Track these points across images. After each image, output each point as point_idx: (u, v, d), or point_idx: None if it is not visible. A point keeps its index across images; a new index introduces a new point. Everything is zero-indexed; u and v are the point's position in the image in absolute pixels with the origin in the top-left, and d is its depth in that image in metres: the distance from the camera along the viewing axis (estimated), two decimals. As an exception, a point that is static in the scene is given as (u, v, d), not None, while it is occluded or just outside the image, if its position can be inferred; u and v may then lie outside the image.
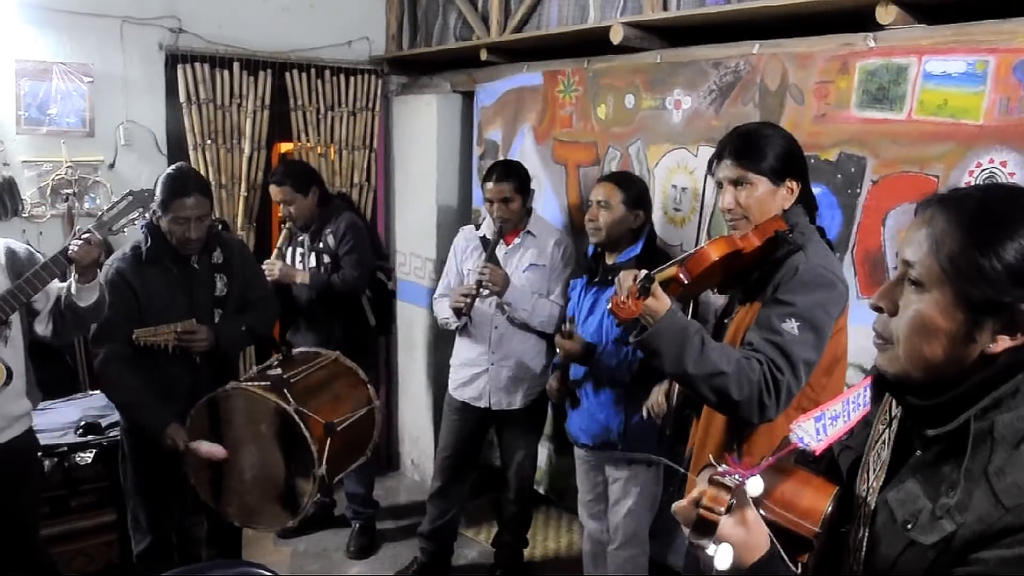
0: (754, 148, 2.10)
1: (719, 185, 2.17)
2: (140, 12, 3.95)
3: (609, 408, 3.01)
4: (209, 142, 4.14)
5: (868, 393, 1.29)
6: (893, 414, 1.30)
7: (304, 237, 3.87)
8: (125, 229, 2.70)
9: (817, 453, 1.21)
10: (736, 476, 1.15)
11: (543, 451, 3.96)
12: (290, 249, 3.92)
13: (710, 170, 2.20)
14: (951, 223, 1.13)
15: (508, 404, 3.57)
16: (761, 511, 1.24)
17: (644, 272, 1.96)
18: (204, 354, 3.06)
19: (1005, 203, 1.13)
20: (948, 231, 1.13)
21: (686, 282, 2.04)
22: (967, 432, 1.13)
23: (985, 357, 1.13)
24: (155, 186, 2.94)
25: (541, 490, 4.06)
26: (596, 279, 3.07)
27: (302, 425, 2.84)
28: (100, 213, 2.72)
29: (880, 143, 2.53)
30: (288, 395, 2.91)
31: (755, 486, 1.15)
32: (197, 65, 4.06)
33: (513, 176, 3.41)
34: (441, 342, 4.39)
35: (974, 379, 1.14)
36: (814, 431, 1.21)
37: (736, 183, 2.11)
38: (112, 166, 3.96)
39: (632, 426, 2.96)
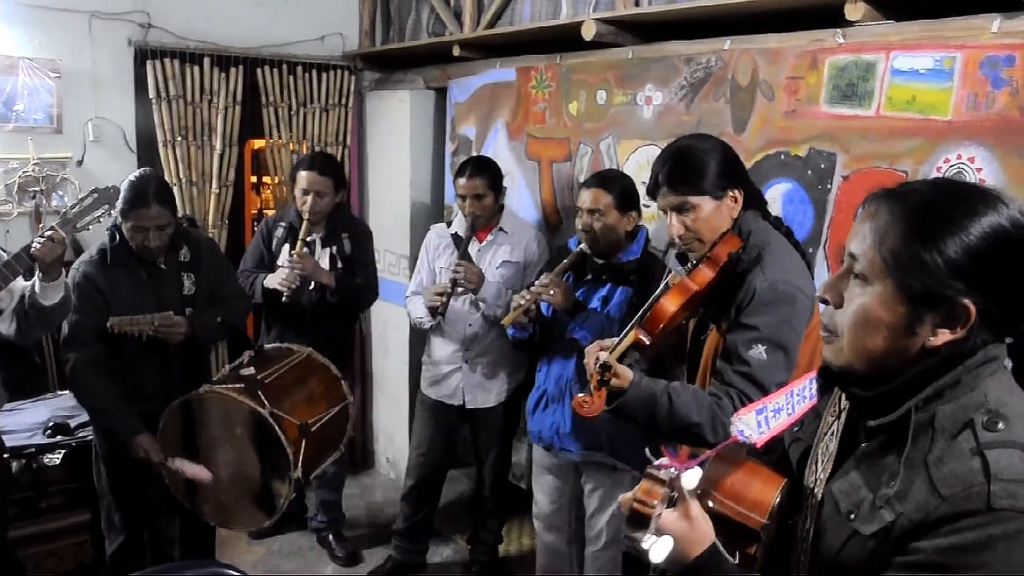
0: (687, 171, 2.07)
1: (664, 212, 2.15)
2: (109, 7, 3.91)
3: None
4: (179, 139, 4.10)
5: (814, 386, 1.31)
6: (842, 406, 1.30)
7: (315, 236, 3.70)
8: (91, 227, 2.67)
9: (758, 446, 1.23)
10: (672, 469, 1.15)
11: (524, 447, 3.95)
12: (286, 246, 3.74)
13: (651, 196, 2.17)
14: (894, 216, 1.14)
15: (483, 402, 3.56)
16: (709, 503, 1.26)
17: (602, 359, 1.94)
18: (178, 349, 3.03)
19: (949, 198, 1.14)
20: (891, 224, 1.14)
21: (648, 342, 2.03)
22: (908, 422, 1.14)
23: (926, 350, 1.14)
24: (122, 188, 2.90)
25: (523, 485, 4.05)
26: (587, 277, 2.97)
27: (277, 428, 2.82)
28: (64, 211, 2.68)
29: (850, 139, 2.54)
30: (263, 397, 2.89)
31: (691, 479, 1.15)
32: (167, 61, 4.02)
33: (485, 172, 3.40)
34: (416, 339, 4.38)
35: (915, 370, 1.15)
36: (755, 424, 1.23)
37: (678, 209, 2.09)
38: (80, 163, 3.92)
39: (619, 429, 2.85)
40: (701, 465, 1.22)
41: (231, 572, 1.99)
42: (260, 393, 2.91)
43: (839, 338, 1.20)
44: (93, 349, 2.92)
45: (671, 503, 1.15)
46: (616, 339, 2.04)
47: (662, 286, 2.06)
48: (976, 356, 1.13)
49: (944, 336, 1.12)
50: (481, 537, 3.85)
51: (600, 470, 2.99)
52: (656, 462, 1.19)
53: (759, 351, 1.98)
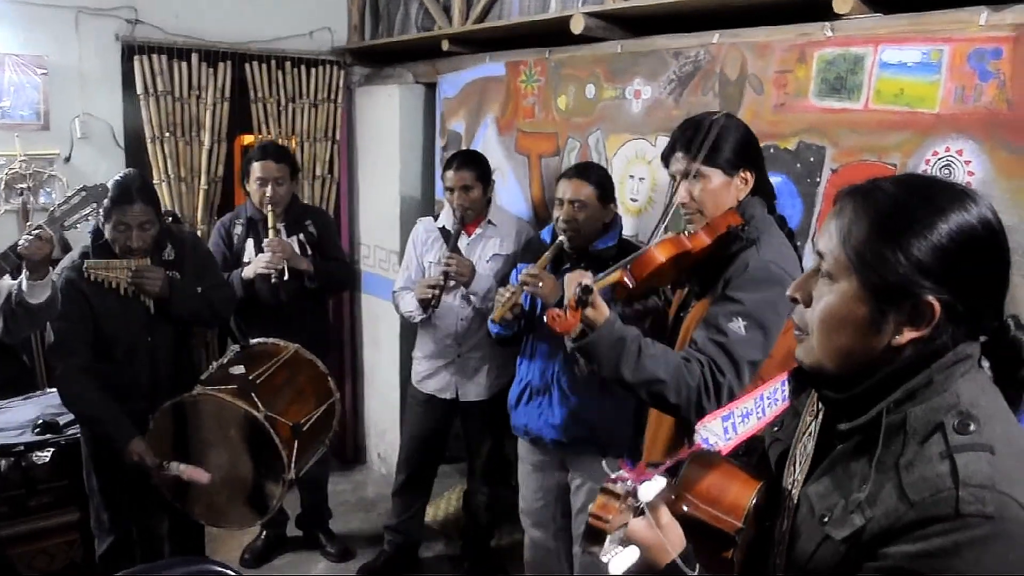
0: (705, 140, 2.07)
1: (673, 178, 2.16)
2: (95, 2, 3.88)
3: (587, 400, 2.90)
4: (168, 135, 4.08)
5: (786, 388, 1.30)
6: (819, 406, 1.29)
7: (279, 226, 3.66)
8: (78, 225, 2.65)
9: (724, 452, 1.22)
10: (629, 482, 1.14)
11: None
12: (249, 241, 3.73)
13: (665, 162, 2.18)
14: (858, 214, 1.14)
15: (474, 396, 3.56)
16: (684, 506, 1.25)
17: (584, 282, 1.92)
18: (162, 343, 3.01)
19: (915, 195, 1.13)
20: (855, 221, 1.14)
21: (631, 285, 2.02)
22: (880, 425, 1.14)
23: (892, 349, 1.13)
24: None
25: (513, 481, 4.04)
26: (566, 267, 2.94)
27: (272, 431, 2.81)
28: (52, 208, 2.66)
29: (839, 132, 2.54)
30: (256, 400, 2.88)
31: (647, 491, 1.14)
32: (154, 56, 4.00)
33: (474, 164, 3.40)
34: (407, 334, 4.37)
35: (886, 371, 1.15)
36: (721, 430, 1.22)
37: (688, 176, 2.09)
38: (68, 160, 3.89)
39: (608, 420, 2.87)
40: (673, 470, 1.21)
41: (221, 569, 1.99)
42: (254, 395, 2.90)
43: (809, 336, 1.20)
44: (81, 355, 2.90)
45: (639, 511, 1.14)
46: (601, 274, 2.04)
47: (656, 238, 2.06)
48: (947, 356, 1.13)
49: (909, 334, 1.12)
50: (472, 532, 3.85)
51: (587, 464, 2.97)
52: (613, 475, 1.18)
53: (739, 325, 1.97)
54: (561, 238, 2.88)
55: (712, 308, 2.03)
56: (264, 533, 3.99)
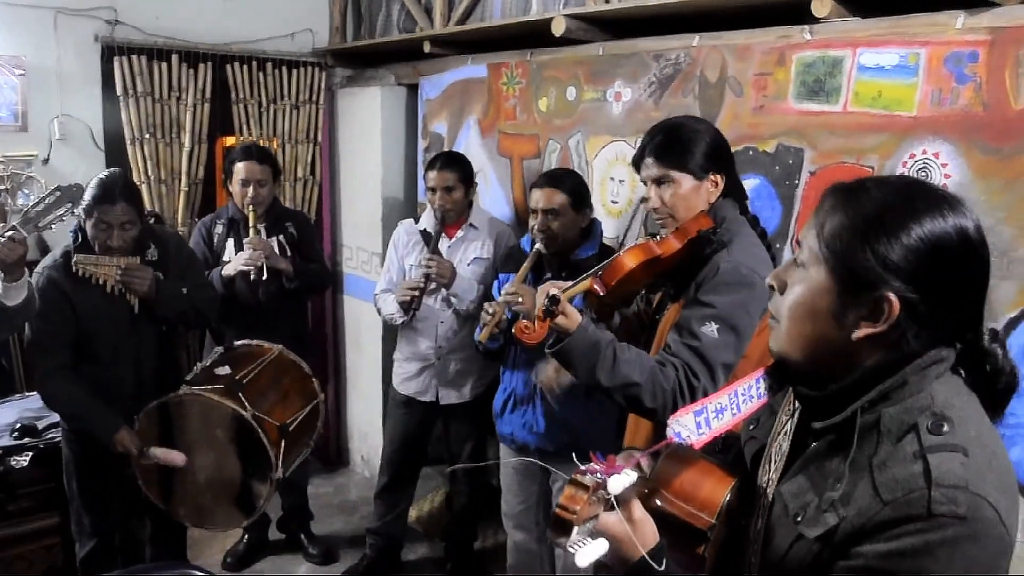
0: (674, 146, 2.08)
1: (644, 183, 2.16)
2: (75, 3, 3.86)
3: (571, 408, 2.88)
4: (148, 136, 4.05)
5: (761, 385, 1.30)
6: (796, 404, 1.29)
7: (260, 227, 3.64)
8: (53, 226, 2.62)
9: (696, 447, 1.22)
10: (598, 475, 1.14)
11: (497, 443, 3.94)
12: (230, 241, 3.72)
13: (636, 168, 2.18)
14: (836, 208, 1.16)
15: (455, 398, 3.56)
16: (657, 501, 1.25)
17: (551, 292, 1.92)
18: (146, 343, 3.01)
19: (894, 196, 1.14)
20: (831, 215, 1.16)
21: (601, 292, 2.02)
22: (854, 424, 1.14)
23: (852, 343, 1.14)
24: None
25: (494, 482, 4.04)
26: (547, 276, 2.91)
27: (260, 431, 2.80)
28: (26, 210, 2.63)
29: (817, 134, 2.55)
30: (244, 400, 2.86)
31: (616, 484, 1.14)
32: (134, 57, 3.97)
33: (456, 165, 3.39)
34: (389, 336, 4.36)
35: (861, 371, 1.16)
36: (694, 425, 1.21)
37: (659, 182, 2.10)
38: (47, 161, 3.86)
39: (592, 427, 2.86)
40: (654, 455, 1.21)
41: (198, 573, 1.97)
42: (241, 395, 2.89)
43: (779, 323, 1.22)
44: (61, 356, 2.88)
45: (609, 505, 1.14)
46: (571, 282, 2.04)
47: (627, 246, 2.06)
48: (923, 358, 1.13)
49: (866, 329, 1.13)
50: (455, 534, 3.85)
51: (570, 469, 2.94)
52: (583, 467, 1.18)
53: (711, 328, 1.97)
54: (538, 246, 2.87)
55: (684, 312, 2.04)
56: (246, 536, 3.97)
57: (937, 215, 1.11)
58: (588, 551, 1.14)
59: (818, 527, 1.13)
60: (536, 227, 2.86)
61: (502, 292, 2.78)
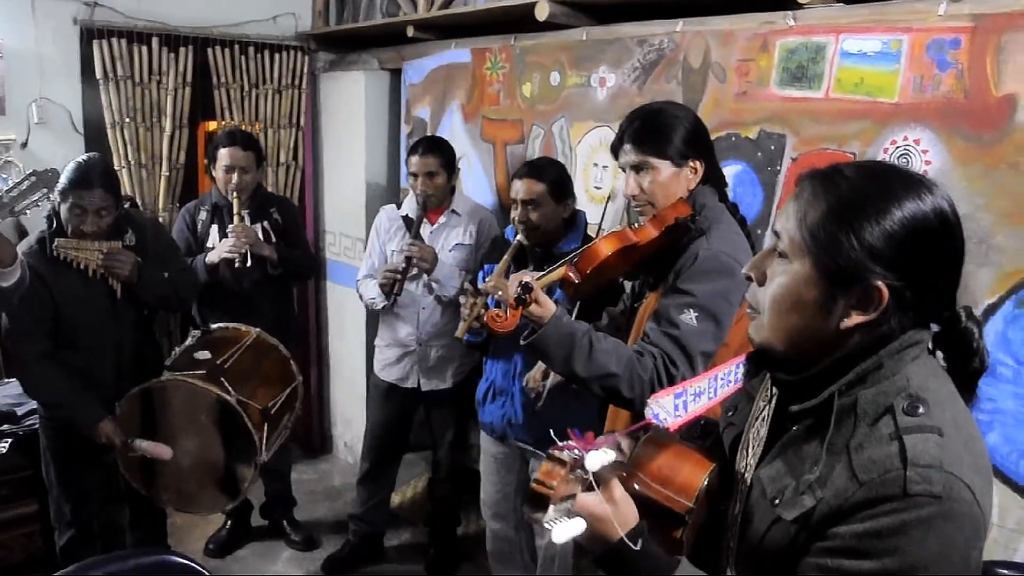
0: (653, 132, 2.06)
1: (623, 170, 2.15)
2: (53, -15, 3.80)
3: (549, 401, 2.81)
4: (128, 120, 4.01)
5: (740, 370, 1.31)
6: (773, 391, 1.30)
7: (244, 213, 3.60)
8: (28, 211, 2.59)
9: (672, 429, 1.22)
10: (576, 451, 1.14)
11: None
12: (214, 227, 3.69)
13: (614, 154, 2.17)
14: (816, 196, 1.15)
15: (437, 385, 3.55)
16: (636, 485, 1.25)
17: (524, 280, 1.91)
18: (126, 330, 2.98)
19: (873, 182, 1.14)
20: (812, 204, 1.15)
21: (577, 281, 2.01)
22: (831, 407, 1.15)
23: (841, 332, 1.15)
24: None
25: (478, 467, 4.04)
26: (529, 268, 2.87)
27: (244, 415, 2.80)
28: (1, 194, 2.60)
29: (799, 121, 2.55)
30: (226, 384, 2.86)
31: (594, 461, 1.14)
32: (114, 40, 3.92)
33: (439, 151, 3.37)
34: (372, 323, 4.34)
35: (838, 354, 1.16)
36: (672, 407, 1.22)
37: (637, 169, 2.08)
38: (25, 145, 3.81)
39: (572, 420, 2.81)
40: (633, 435, 1.20)
41: (177, 559, 1.97)
42: (223, 379, 2.88)
43: (760, 315, 1.21)
44: (41, 342, 2.86)
45: (588, 485, 1.14)
46: (545, 270, 2.03)
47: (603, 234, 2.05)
48: (898, 341, 1.14)
49: (857, 318, 1.13)
50: (438, 520, 3.85)
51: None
52: (560, 444, 1.17)
53: (690, 317, 1.96)
54: (519, 237, 2.83)
55: (663, 300, 2.02)
56: (228, 522, 3.96)
57: (916, 199, 1.11)
58: (565, 528, 1.14)
59: (795, 509, 1.13)
60: (516, 218, 2.84)
61: (482, 285, 2.75)
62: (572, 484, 1.18)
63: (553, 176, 2.84)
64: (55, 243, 2.80)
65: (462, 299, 2.69)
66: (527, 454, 3.00)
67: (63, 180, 2.76)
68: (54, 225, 2.86)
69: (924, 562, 1.02)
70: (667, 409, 1.21)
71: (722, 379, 1.28)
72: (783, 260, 1.18)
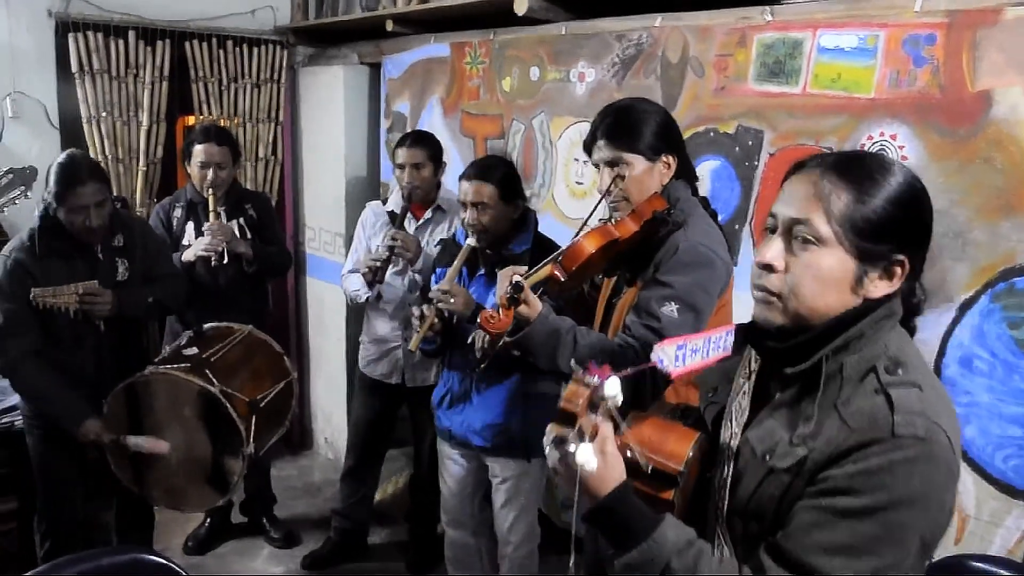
0: (626, 127, 2.07)
1: (596, 167, 2.15)
2: (26, -23, 3.76)
3: (507, 402, 2.82)
4: (104, 114, 3.98)
5: (730, 338, 1.36)
6: (752, 368, 1.41)
7: (219, 210, 3.56)
8: (5, 209, 2.57)
9: (672, 376, 1.27)
10: (596, 378, 1.18)
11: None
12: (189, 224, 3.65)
13: (587, 151, 2.17)
14: (837, 185, 1.23)
15: (422, 380, 3.54)
16: (628, 453, 1.31)
17: (515, 280, 1.92)
18: (109, 331, 2.95)
19: (873, 165, 1.25)
20: (836, 192, 1.22)
21: (563, 279, 2.02)
22: (820, 371, 1.25)
23: (866, 302, 1.25)
24: (47, 175, 2.78)
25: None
26: (480, 272, 2.84)
27: (228, 406, 2.77)
28: None
29: (777, 116, 2.56)
30: (211, 376, 2.83)
31: (612, 387, 1.17)
32: (90, 34, 3.89)
33: (426, 144, 3.36)
34: (353, 318, 4.34)
35: (827, 322, 1.25)
36: (674, 356, 1.27)
37: (612, 164, 2.09)
38: (-1, 140, 3.78)
39: (529, 426, 2.76)
40: (639, 373, 1.26)
41: (151, 557, 1.95)
42: (208, 371, 2.85)
43: (783, 299, 1.26)
44: (30, 337, 2.83)
45: (582, 437, 1.17)
46: (532, 269, 2.04)
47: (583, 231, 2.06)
48: (879, 310, 1.25)
49: (883, 288, 1.24)
50: (420, 517, 3.84)
51: (508, 460, 2.88)
52: (579, 371, 1.20)
53: (671, 309, 1.98)
54: (470, 240, 2.75)
55: (643, 293, 2.03)
56: (208, 520, 3.94)
57: (912, 179, 1.25)
58: (585, 451, 1.16)
59: (788, 459, 1.23)
60: (467, 220, 2.75)
61: (431, 292, 2.67)
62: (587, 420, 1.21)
63: (501, 176, 2.74)
64: (32, 294, 2.77)
65: (414, 310, 2.66)
66: (485, 459, 2.98)
67: (53, 186, 2.72)
68: (46, 222, 2.82)
69: (908, 498, 1.13)
70: (670, 356, 1.26)
71: (714, 343, 1.34)
72: (812, 245, 1.23)
